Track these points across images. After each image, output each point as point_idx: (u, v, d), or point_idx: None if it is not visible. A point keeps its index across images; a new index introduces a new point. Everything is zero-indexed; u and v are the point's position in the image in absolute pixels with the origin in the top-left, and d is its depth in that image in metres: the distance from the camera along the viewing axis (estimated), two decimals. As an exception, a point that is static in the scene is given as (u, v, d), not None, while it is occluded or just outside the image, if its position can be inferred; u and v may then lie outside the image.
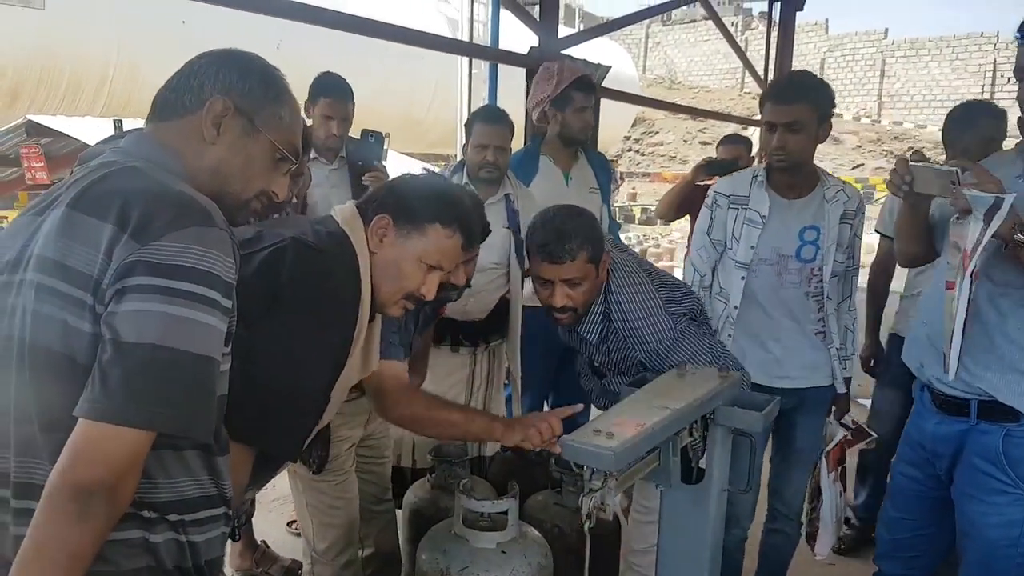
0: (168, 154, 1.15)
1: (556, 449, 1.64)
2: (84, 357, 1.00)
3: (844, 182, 2.59)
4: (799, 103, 2.32)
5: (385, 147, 3.23)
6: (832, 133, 2.63)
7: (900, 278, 3.36)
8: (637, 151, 22.33)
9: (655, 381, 1.76)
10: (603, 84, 5.50)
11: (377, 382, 1.89)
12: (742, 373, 2.13)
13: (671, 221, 4.79)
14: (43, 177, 5.50)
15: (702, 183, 4.28)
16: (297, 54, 5.97)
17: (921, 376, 2.09)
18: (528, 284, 3.17)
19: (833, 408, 2.65)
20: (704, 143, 20.19)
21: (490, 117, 2.98)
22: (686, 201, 4.32)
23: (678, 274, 3.07)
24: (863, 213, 2.53)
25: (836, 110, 2.50)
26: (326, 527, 2.30)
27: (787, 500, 2.69)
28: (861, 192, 2.68)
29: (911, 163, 1.81)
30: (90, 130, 5.89)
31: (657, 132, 22.59)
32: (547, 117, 3.38)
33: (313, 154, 3.24)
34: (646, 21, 27.95)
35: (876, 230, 3.44)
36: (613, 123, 14.89)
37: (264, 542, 3.08)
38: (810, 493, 2.72)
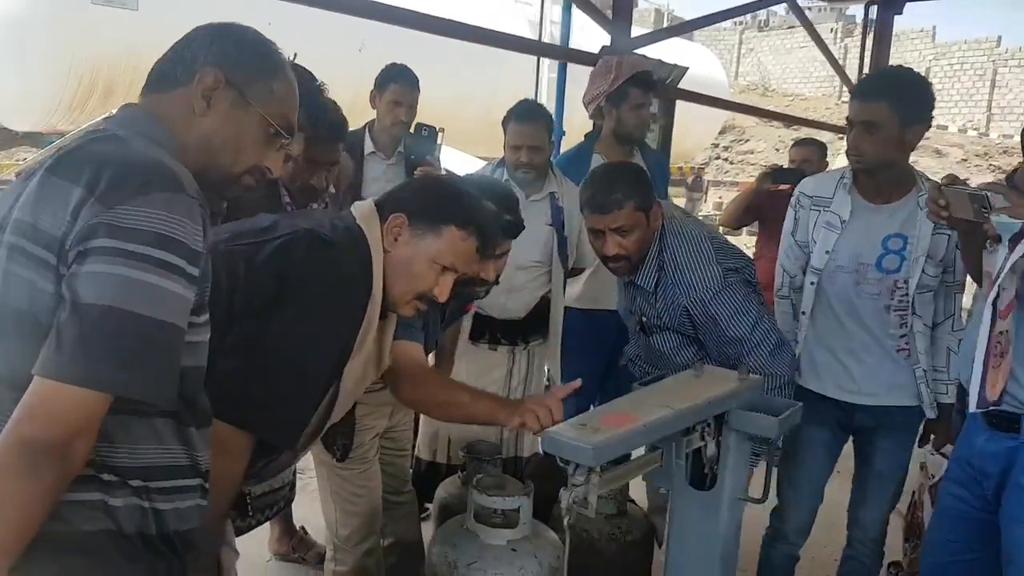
0: (156, 125, 1.16)
1: None
2: (47, 317, 1.00)
3: None
4: (878, 101, 2.16)
5: (439, 142, 3.22)
6: (935, 146, 2.46)
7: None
8: (725, 159, 21.81)
9: (668, 379, 1.69)
10: (689, 88, 5.35)
11: (392, 363, 1.88)
12: (781, 360, 2.05)
13: (736, 229, 4.63)
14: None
15: (769, 190, 4.14)
16: (378, 55, 6.07)
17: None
18: (571, 285, 3.13)
19: (932, 437, 2.48)
20: (797, 153, 19.51)
21: (523, 116, 2.90)
22: (752, 209, 4.18)
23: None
24: None
25: (942, 121, 2.35)
26: (349, 515, 2.32)
27: (864, 525, 2.52)
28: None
29: (944, 187, 1.70)
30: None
31: (747, 140, 22.01)
32: (602, 113, 3.32)
33: (371, 148, 3.28)
34: (739, 27, 27.37)
35: None
36: (699, 129, 14.60)
37: (303, 528, 3.12)
38: (905, 529, 2.52)
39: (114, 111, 1.20)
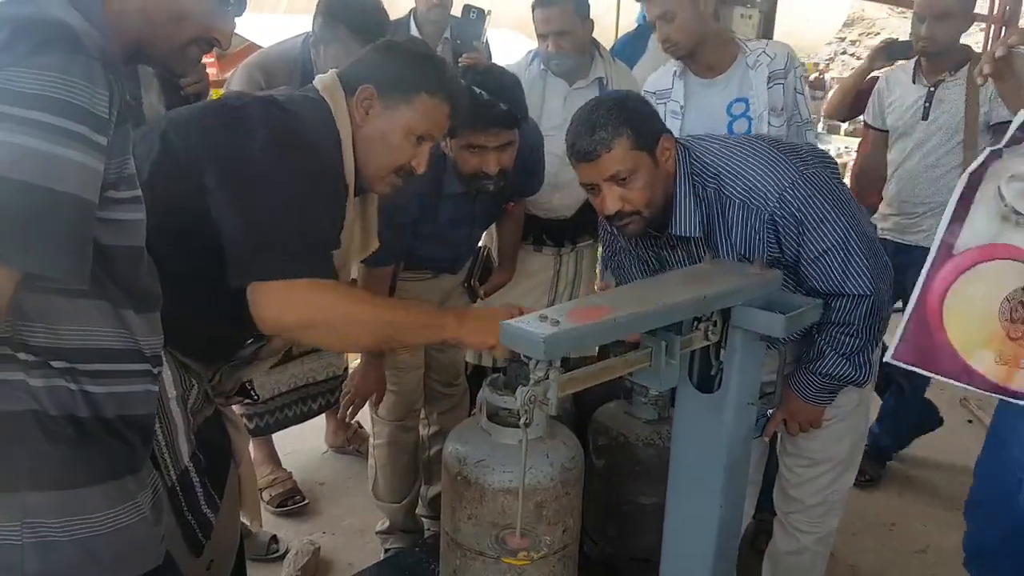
0: None
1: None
2: None
3: (768, 42, 2.45)
4: None
5: (486, 25, 3.03)
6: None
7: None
8: (852, 54, 20.17)
9: (674, 272, 1.55)
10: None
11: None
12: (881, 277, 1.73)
13: (845, 120, 4.16)
14: (214, 73, 5.85)
15: (882, 70, 3.68)
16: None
17: None
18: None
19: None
20: (934, 45, 17.81)
21: None
22: (864, 95, 3.71)
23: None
24: (795, 68, 2.39)
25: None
26: (387, 392, 2.42)
27: None
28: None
29: (1012, 48, 1.63)
30: (263, 30, 6.16)
31: (878, 33, 20.25)
32: None
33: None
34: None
35: (865, 121, 3.18)
36: (818, 20, 13.52)
37: (358, 422, 3.20)
38: None
39: None
